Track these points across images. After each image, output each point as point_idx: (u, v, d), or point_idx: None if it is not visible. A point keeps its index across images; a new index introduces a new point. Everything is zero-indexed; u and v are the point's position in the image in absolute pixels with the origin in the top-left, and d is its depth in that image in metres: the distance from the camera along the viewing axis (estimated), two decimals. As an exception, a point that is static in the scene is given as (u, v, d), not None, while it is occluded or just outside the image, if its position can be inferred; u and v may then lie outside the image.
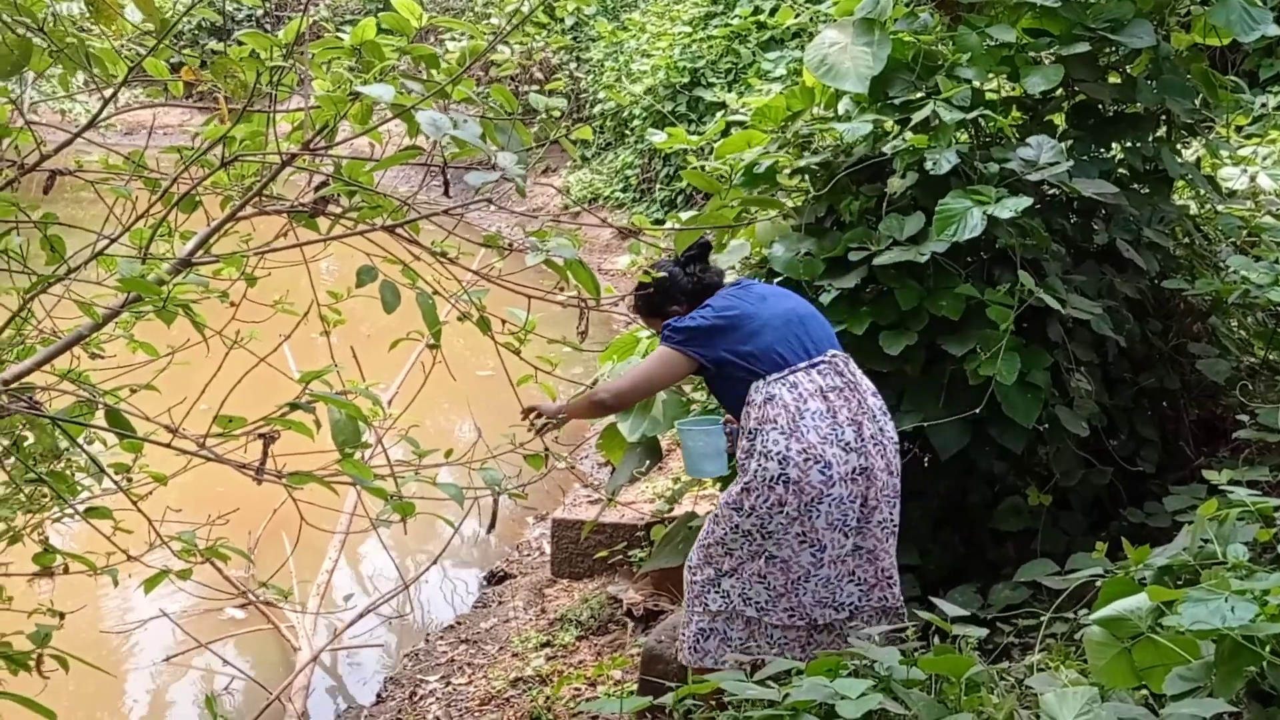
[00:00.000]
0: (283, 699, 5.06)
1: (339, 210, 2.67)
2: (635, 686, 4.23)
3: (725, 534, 3.75)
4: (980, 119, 4.50)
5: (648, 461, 4.84)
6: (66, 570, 2.77)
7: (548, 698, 4.65)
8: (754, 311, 3.75)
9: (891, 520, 3.77)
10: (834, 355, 3.79)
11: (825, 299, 4.36)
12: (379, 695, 5.29)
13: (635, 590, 5.26)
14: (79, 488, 2.97)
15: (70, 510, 2.76)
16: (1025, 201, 4.05)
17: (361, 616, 5.79)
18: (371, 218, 2.62)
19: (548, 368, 3.27)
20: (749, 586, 3.76)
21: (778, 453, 3.61)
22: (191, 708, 5.56)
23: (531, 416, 3.86)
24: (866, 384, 3.84)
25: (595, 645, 5.14)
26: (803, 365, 3.71)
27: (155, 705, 5.61)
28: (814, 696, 2.43)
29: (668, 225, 4.42)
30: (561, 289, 2.84)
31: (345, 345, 2.91)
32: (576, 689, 4.67)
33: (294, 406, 2.34)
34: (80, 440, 2.89)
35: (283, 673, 5.49)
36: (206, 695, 3.19)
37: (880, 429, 3.74)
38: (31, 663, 2.47)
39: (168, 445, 2.42)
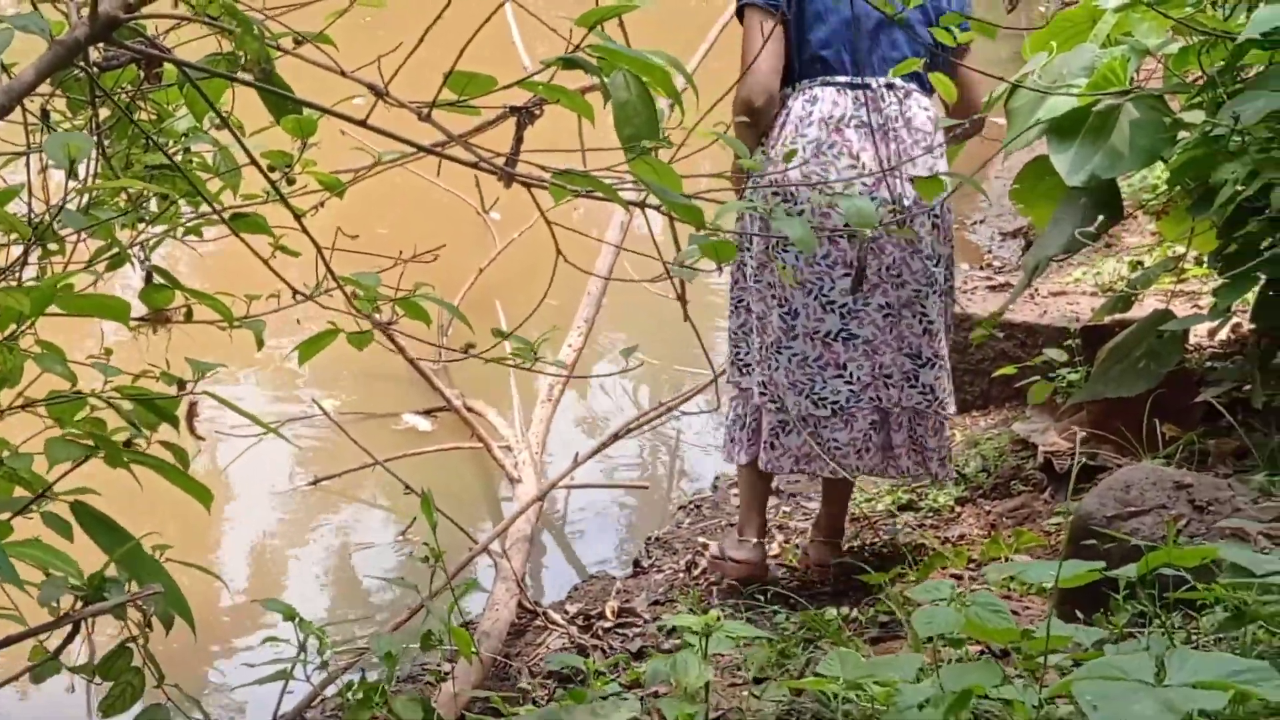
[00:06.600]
0: (492, 552, 4.36)
1: None
2: (1057, 569, 3.81)
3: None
4: None
5: (1099, 219, 4.58)
6: (189, 317, 2.58)
7: (914, 583, 3.95)
8: None
9: (908, 309, 4.02)
10: (885, 84, 3.88)
11: None
12: (636, 562, 4.61)
13: (1059, 431, 4.48)
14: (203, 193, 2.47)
15: (201, 217, 2.51)
16: None
17: (617, 438, 4.98)
18: None
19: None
20: (742, 347, 4.14)
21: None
22: (331, 538, 5.10)
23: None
24: (921, 136, 3.95)
25: (986, 512, 4.48)
26: (840, 81, 3.90)
27: (293, 532, 5.14)
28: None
29: None
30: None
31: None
32: (955, 575, 4.08)
33: (569, 63, 2.06)
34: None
35: (487, 512, 4.96)
36: (421, 492, 3.01)
37: (918, 199, 3.80)
38: (180, 417, 2.46)
39: (362, 123, 2.07)
